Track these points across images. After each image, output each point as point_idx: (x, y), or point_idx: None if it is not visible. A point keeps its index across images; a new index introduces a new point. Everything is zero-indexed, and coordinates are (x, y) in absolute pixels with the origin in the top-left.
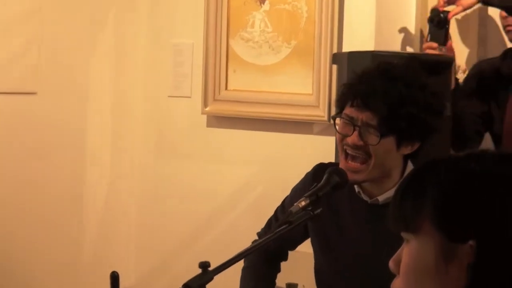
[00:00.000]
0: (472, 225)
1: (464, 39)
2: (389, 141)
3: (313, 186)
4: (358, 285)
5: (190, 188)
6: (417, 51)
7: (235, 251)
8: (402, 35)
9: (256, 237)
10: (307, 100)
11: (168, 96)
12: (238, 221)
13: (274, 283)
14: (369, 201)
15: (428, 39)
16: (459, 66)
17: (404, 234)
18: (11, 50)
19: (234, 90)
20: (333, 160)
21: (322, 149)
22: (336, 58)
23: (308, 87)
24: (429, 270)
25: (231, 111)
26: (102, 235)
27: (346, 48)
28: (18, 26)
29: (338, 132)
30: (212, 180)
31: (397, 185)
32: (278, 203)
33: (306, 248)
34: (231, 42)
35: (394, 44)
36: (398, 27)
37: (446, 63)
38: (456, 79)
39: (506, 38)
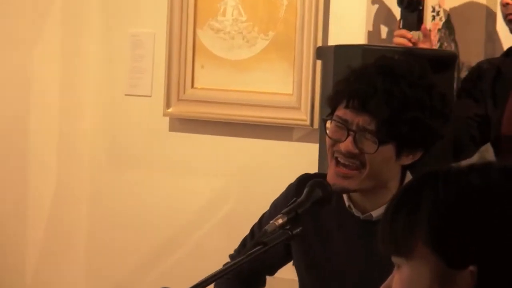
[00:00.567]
0: (472, 248)
1: (469, 33)
2: (388, 149)
3: (291, 202)
4: None
5: (149, 202)
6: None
7: (202, 276)
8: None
9: (228, 260)
10: (287, 101)
11: (125, 95)
12: (205, 241)
13: None
14: (361, 217)
15: (401, 25)
16: (463, 63)
17: (394, 259)
18: None
19: (201, 88)
20: (316, 171)
21: (304, 157)
22: (321, 52)
23: (288, 86)
24: None
25: (198, 113)
26: (46, 259)
27: (332, 41)
28: None
29: (329, 137)
30: (176, 193)
31: (389, 200)
32: (252, 220)
33: (287, 273)
34: (199, 32)
35: (387, 37)
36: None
37: (449, 60)
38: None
39: None
